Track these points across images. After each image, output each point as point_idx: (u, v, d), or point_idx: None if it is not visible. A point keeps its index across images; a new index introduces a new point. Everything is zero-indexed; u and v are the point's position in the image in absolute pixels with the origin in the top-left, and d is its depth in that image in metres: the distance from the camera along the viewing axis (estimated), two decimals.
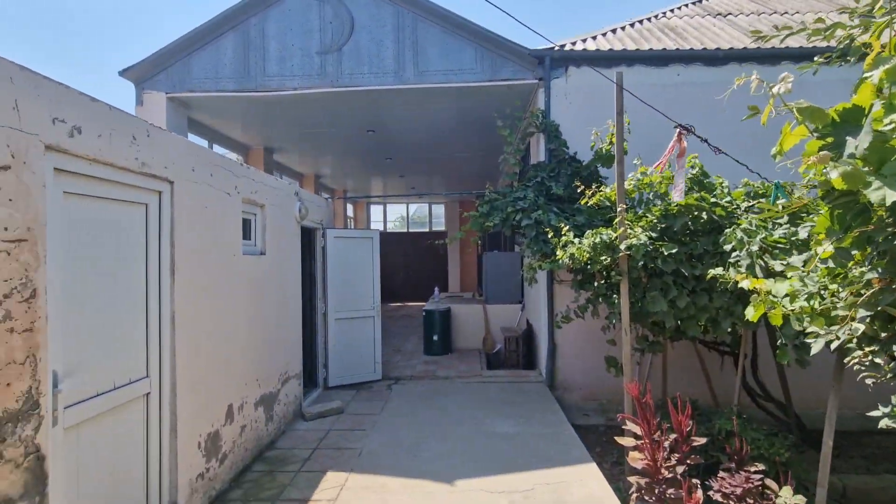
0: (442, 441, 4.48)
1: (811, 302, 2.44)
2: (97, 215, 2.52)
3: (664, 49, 6.39)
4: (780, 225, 3.72)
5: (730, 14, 7.80)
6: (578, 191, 5.89)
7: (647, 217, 4.36)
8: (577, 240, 4.67)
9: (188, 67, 6.74)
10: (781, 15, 7.66)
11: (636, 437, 3.81)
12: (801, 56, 6.34)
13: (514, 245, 10.09)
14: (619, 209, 4.30)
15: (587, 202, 5.04)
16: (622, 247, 4.21)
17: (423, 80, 6.60)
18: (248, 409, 4.09)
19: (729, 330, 4.08)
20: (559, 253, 4.75)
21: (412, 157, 10.72)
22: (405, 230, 19.44)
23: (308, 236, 6.24)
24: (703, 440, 3.48)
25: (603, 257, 4.37)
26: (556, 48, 6.49)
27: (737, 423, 3.36)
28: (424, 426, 4.87)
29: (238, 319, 3.96)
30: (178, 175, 3.12)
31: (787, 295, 2.57)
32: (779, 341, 3.49)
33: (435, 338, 8.19)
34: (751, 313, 2.67)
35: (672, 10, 8.07)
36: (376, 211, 19.26)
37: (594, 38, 7.01)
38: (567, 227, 4.85)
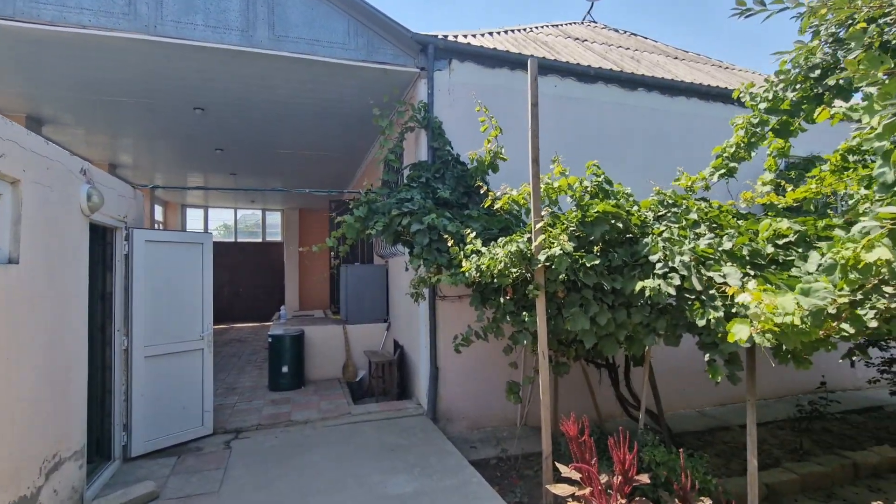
0: None
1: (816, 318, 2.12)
2: None
3: (544, 58, 6.27)
4: (700, 235, 3.61)
5: (585, 41, 8.27)
6: (475, 194, 5.30)
7: (562, 224, 3.91)
8: (484, 248, 3.99)
9: None
10: (626, 49, 8.41)
11: (570, 482, 3.23)
12: (653, 85, 6.89)
13: (374, 256, 9.10)
14: (534, 215, 3.75)
15: (490, 205, 4.40)
16: (541, 258, 3.66)
17: (280, 47, 5.24)
18: None
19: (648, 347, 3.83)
20: (465, 264, 4.00)
21: (252, 150, 8.89)
22: (232, 240, 16.67)
23: (102, 238, 4.29)
24: (646, 478, 3.04)
25: (514, 269, 3.75)
26: (440, 37, 5.85)
27: (683, 455, 3.00)
28: (291, 502, 3.53)
29: None
30: None
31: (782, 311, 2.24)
32: (707, 357, 3.29)
33: (284, 369, 6.65)
34: (744, 334, 2.26)
35: (537, 27, 8.23)
36: (195, 216, 16.10)
37: (474, 35, 6.60)
38: (472, 233, 4.14)
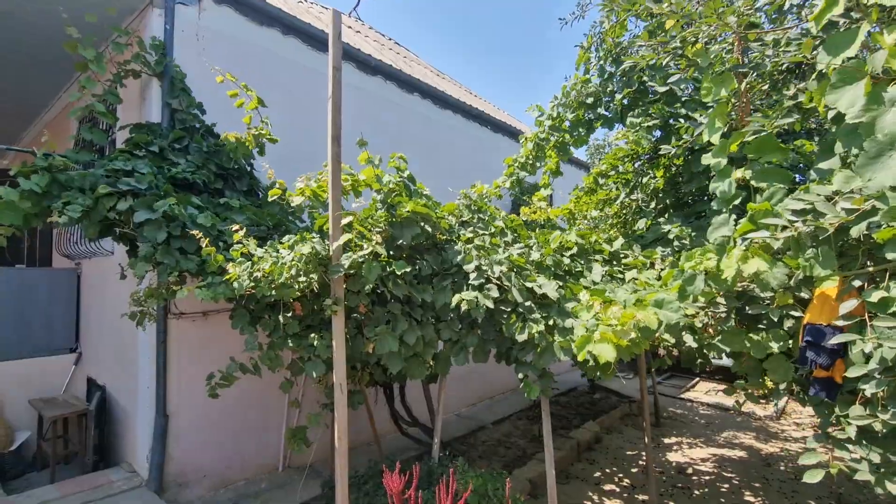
0: None
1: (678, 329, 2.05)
2: None
3: (323, 31, 5.41)
4: (509, 244, 3.45)
5: (359, 32, 7.75)
6: (233, 177, 4.03)
7: (364, 224, 3.18)
8: (260, 250, 2.91)
9: None
10: (397, 53, 8.27)
11: None
12: (427, 93, 6.87)
13: (55, 254, 6.27)
14: (332, 209, 2.93)
15: (278, 195, 3.30)
16: (344, 263, 2.87)
17: None
18: None
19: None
20: (232, 271, 2.81)
21: None
22: None
23: None
24: None
25: (304, 279, 2.85)
26: None
27: (509, 483, 2.67)
28: None
29: None
30: None
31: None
32: (520, 375, 3.11)
33: None
34: (611, 354, 2.03)
35: (315, 5, 7.25)
36: None
37: None
38: (242, 230, 2.96)
